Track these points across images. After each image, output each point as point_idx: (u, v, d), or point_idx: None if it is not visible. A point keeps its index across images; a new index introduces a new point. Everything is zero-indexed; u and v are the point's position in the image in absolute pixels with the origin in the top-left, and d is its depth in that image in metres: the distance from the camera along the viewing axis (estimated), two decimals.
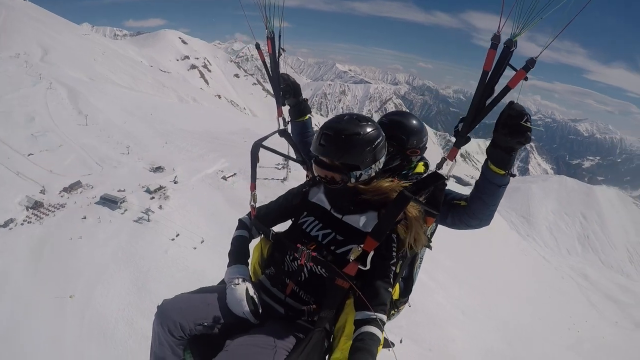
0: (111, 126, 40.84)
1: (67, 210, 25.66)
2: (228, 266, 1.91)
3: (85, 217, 24.57)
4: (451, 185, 2.13)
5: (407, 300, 2.38)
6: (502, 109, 1.58)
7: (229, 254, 1.96)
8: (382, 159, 1.81)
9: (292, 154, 2.38)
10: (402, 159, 2.22)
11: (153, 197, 27.60)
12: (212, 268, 21.33)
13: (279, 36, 2.14)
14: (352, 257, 1.61)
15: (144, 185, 28.97)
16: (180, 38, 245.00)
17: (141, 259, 21.32)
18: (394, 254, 1.72)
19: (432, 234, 2.16)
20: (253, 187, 2.04)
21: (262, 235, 2.07)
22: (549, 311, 34.61)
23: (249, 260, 2.03)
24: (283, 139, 2.29)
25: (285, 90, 2.28)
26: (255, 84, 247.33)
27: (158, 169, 32.57)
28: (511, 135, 1.55)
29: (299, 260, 1.78)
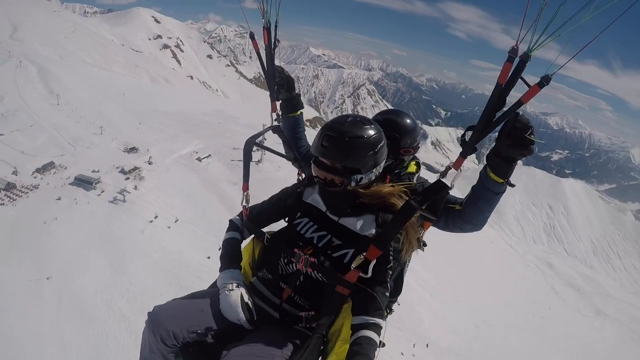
0: (83, 106, 39.56)
1: (40, 192, 25.14)
2: (220, 270, 1.83)
3: (59, 198, 24.15)
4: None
5: (397, 299, 2.39)
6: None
7: (220, 257, 1.89)
8: (383, 163, 1.77)
9: (282, 150, 2.33)
10: (395, 158, 2.19)
11: (128, 178, 27.40)
12: (189, 248, 21.67)
13: (275, 27, 2.03)
14: (354, 265, 1.60)
15: (118, 166, 28.66)
16: (153, 17, 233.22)
17: (118, 240, 21.32)
18: (391, 258, 1.71)
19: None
20: (245, 187, 1.96)
21: (254, 236, 2.02)
22: (514, 297, 36.22)
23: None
24: (263, 126, 2.20)
25: (279, 84, 2.20)
26: (228, 65, 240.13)
27: (132, 149, 32.16)
28: (514, 146, 1.54)
29: (295, 265, 1.73)
